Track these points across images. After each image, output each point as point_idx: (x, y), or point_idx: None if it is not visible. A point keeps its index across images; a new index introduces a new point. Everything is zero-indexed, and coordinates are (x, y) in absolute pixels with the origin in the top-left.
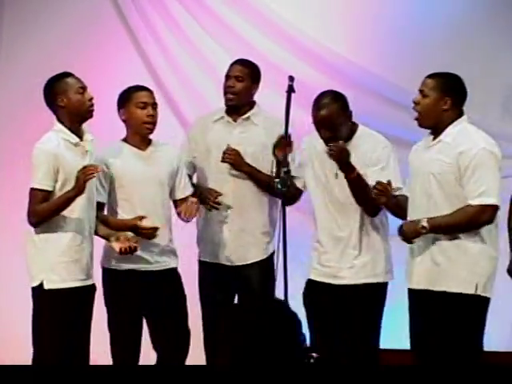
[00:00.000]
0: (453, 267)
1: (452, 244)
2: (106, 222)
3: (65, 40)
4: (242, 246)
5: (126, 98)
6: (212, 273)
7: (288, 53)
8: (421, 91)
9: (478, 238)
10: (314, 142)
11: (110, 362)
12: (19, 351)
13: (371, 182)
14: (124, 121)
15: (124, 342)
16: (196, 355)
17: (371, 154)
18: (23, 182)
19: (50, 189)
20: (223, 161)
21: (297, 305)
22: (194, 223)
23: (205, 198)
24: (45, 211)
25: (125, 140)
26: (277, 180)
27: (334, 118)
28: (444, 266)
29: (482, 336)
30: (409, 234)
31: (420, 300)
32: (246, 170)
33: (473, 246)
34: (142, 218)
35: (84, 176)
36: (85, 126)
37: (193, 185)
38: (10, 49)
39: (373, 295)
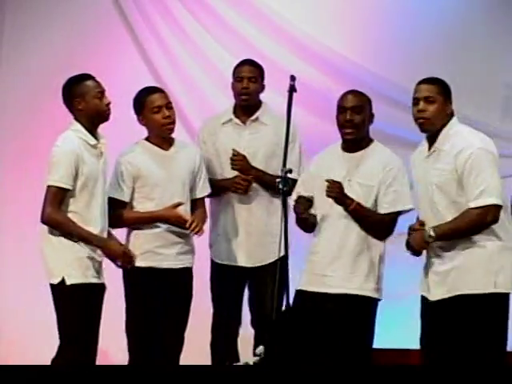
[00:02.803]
0: (468, 269)
1: (464, 245)
2: (121, 217)
3: (66, 41)
4: (258, 248)
5: (140, 105)
6: (227, 275)
7: (290, 52)
8: (425, 98)
9: (491, 234)
10: (326, 158)
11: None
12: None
13: (379, 198)
14: (144, 125)
15: (143, 340)
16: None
17: (383, 171)
18: (32, 181)
19: (69, 188)
20: (233, 168)
21: None
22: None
23: (231, 186)
24: (58, 223)
25: (147, 139)
26: (278, 180)
27: (363, 105)
28: (459, 269)
29: (506, 337)
30: (416, 246)
31: (438, 310)
32: (253, 174)
33: (484, 244)
34: (179, 204)
35: (121, 260)
36: (99, 130)
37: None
38: (11, 50)
39: (363, 308)
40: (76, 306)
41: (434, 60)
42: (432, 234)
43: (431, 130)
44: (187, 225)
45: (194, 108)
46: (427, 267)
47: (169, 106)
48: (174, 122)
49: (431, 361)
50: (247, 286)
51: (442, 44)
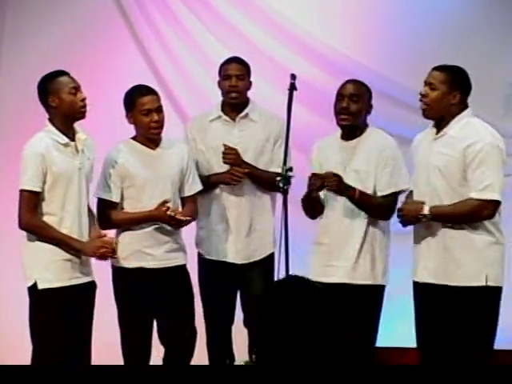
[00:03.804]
0: (460, 261)
1: (458, 237)
2: (110, 218)
3: (66, 37)
4: (247, 245)
5: (130, 104)
6: (216, 271)
7: (290, 50)
8: (429, 84)
9: (483, 228)
10: (324, 145)
11: (118, 361)
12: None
13: (376, 182)
14: (132, 124)
15: (134, 340)
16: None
17: (378, 154)
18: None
19: (38, 190)
20: (224, 162)
21: None
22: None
23: (226, 178)
24: (34, 227)
25: (134, 138)
26: (278, 178)
27: (361, 94)
28: (451, 261)
29: (495, 333)
30: (408, 217)
31: (427, 294)
32: (246, 167)
33: (477, 238)
34: (165, 202)
35: (98, 252)
36: (77, 125)
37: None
38: (11, 46)
39: (370, 296)
40: (46, 311)
41: (436, 59)
42: (427, 213)
43: (431, 116)
44: (176, 218)
45: (193, 105)
46: (418, 254)
47: (159, 109)
48: (161, 126)
49: (427, 352)
50: (236, 285)
51: (445, 43)
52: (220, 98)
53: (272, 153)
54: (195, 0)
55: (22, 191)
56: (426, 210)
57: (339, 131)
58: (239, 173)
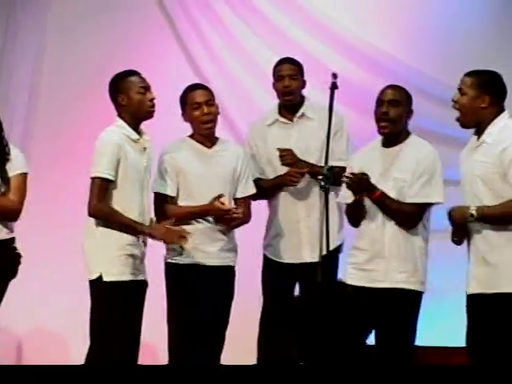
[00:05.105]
0: (505, 267)
1: (502, 243)
2: (166, 212)
3: (110, 40)
4: (314, 243)
5: (183, 101)
6: (280, 270)
7: (332, 50)
8: (459, 89)
9: None
10: (365, 152)
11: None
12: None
13: (411, 191)
14: (187, 121)
15: (183, 337)
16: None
17: (417, 164)
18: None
19: (112, 178)
20: (283, 164)
21: None
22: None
23: (284, 179)
24: (104, 214)
25: (191, 136)
26: (320, 177)
27: (401, 100)
28: (496, 267)
29: None
30: (455, 219)
31: (477, 305)
32: (304, 166)
33: None
34: (220, 196)
35: (168, 234)
36: (142, 127)
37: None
38: (56, 50)
39: (409, 301)
40: (110, 304)
41: (479, 56)
42: (474, 213)
43: (466, 124)
44: (229, 212)
45: (238, 106)
46: (469, 263)
47: (209, 102)
48: (212, 121)
49: (477, 358)
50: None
51: (488, 41)
52: (266, 101)
53: (331, 146)
54: (239, 1)
55: (94, 178)
56: (472, 210)
57: (380, 138)
58: (296, 172)
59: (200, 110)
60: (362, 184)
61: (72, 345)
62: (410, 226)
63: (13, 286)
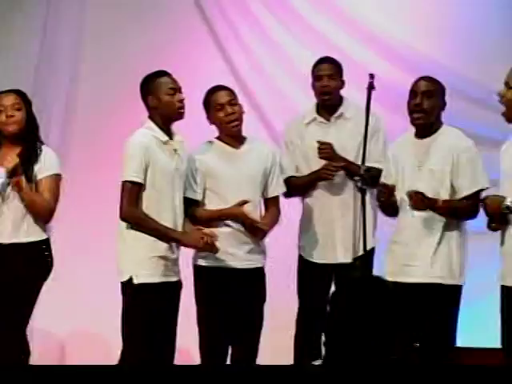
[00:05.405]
0: None
1: None
2: (195, 216)
3: (147, 41)
4: (348, 244)
5: (207, 104)
6: (316, 270)
7: (370, 50)
8: (506, 83)
9: None
10: (399, 144)
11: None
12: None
13: (459, 182)
14: (213, 124)
15: (213, 340)
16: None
17: (456, 154)
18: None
19: (141, 181)
20: (321, 157)
21: None
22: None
23: (320, 172)
24: (135, 218)
25: (218, 138)
26: (357, 178)
27: (434, 91)
28: None
29: None
30: (489, 208)
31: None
32: (341, 162)
33: None
34: (245, 202)
35: (201, 241)
36: (174, 127)
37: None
38: (93, 50)
39: (448, 296)
40: (141, 306)
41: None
42: (510, 205)
43: (510, 116)
44: (255, 223)
45: (275, 107)
46: (505, 259)
47: (232, 102)
48: (237, 120)
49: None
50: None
51: None
52: (303, 100)
53: (369, 148)
54: (276, 2)
55: (124, 182)
56: (508, 202)
57: (413, 129)
58: (332, 166)
59: (224, 111)
60: (423, 201)
61: (113, 346)
62: (474, 217)
63: (54, 288)
